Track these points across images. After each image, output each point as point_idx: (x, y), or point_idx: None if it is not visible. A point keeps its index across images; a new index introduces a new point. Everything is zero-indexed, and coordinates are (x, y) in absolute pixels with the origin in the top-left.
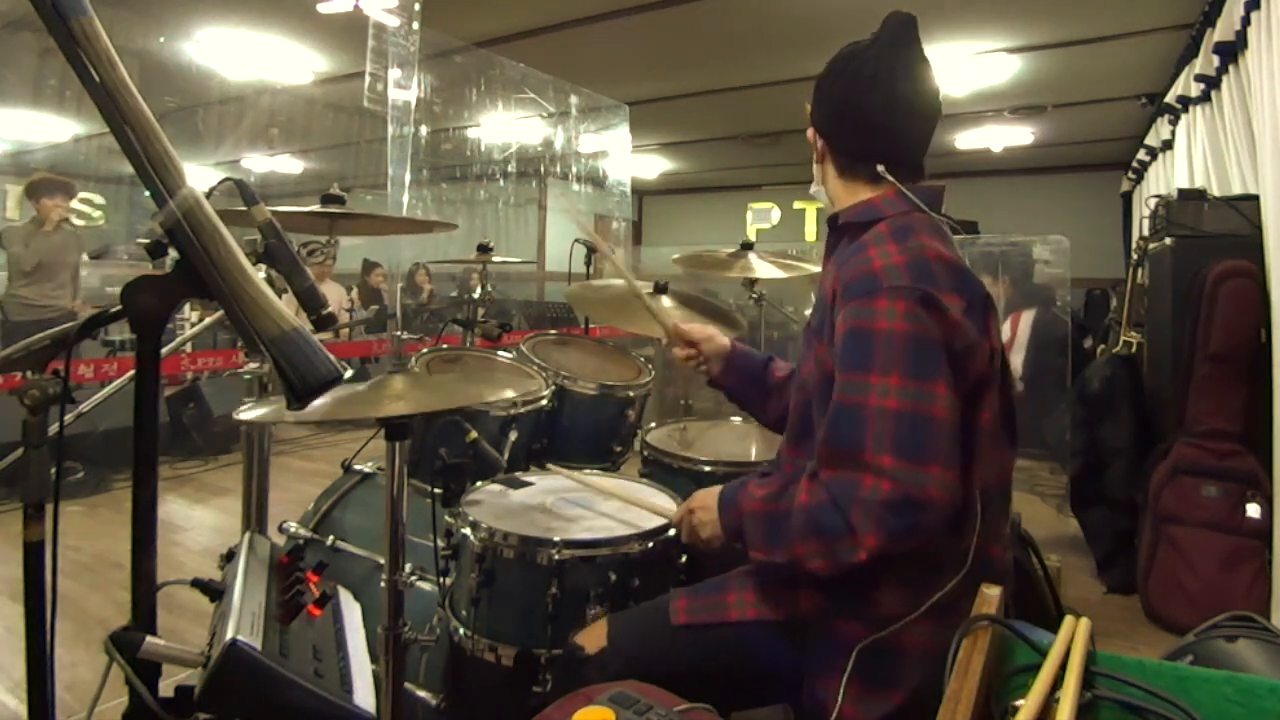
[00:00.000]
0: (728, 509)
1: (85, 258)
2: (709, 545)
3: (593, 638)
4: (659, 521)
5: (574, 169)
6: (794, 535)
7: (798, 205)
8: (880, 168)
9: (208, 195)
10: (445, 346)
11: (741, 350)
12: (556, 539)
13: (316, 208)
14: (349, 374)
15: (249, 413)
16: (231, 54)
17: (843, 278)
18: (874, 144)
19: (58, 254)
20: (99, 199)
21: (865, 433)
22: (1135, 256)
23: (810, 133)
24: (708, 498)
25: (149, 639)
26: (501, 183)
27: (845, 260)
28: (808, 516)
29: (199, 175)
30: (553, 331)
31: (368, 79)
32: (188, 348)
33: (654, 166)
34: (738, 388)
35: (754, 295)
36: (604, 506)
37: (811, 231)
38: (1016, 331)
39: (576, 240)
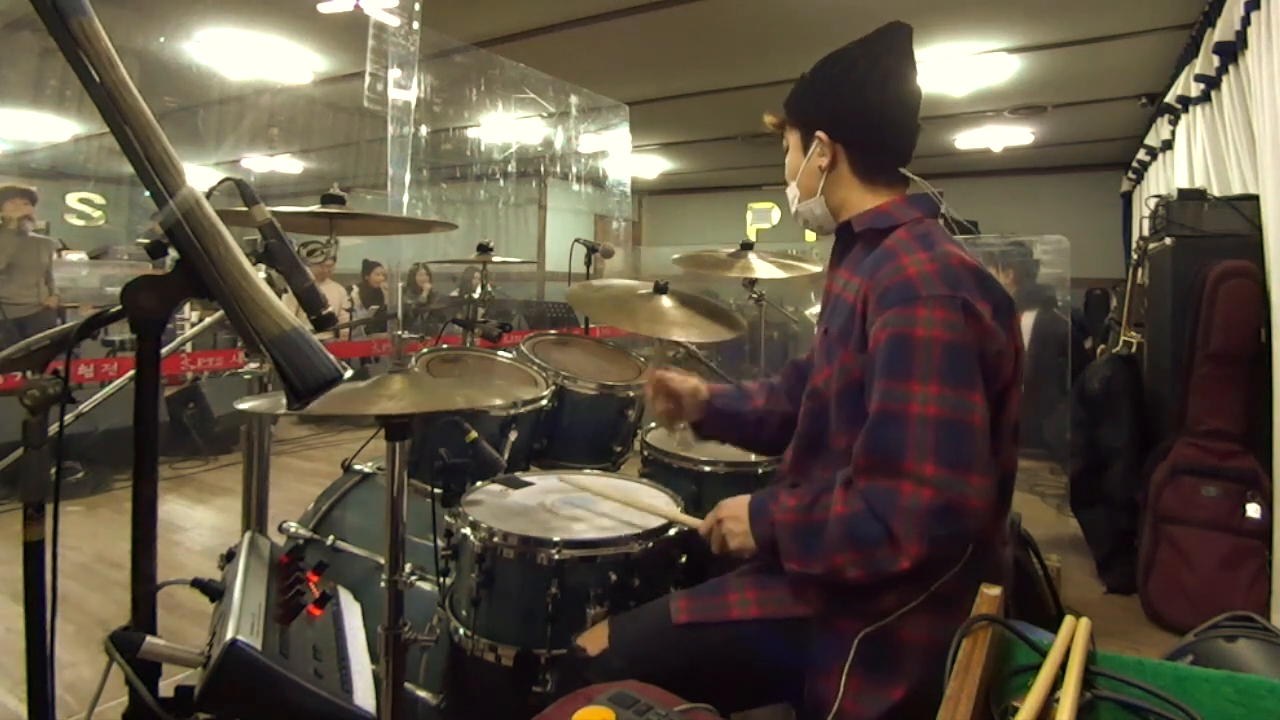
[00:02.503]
0: (758, 519)
1: (80, 258)
2: (739, 555)
3: (594, 639)
4: (660, 521)
5: (574, 169)
6: (831, 546)
7: None
8: (902, 169)
9: (208, 195)
10: (445, 346)
11: (718, 393)
12: (556, 539)
13: (316, 208)
14: (349, 374)
15: (248, 403)
16: (231, 54)
17: (877, 286)
18: (891, 141)
19: (23, 254)
20: (99, 199)
21: (907, 440)
22: (1135, 256)
23: (799, 145)
24: (736, 507)
25: (149, 639)
26: (501, 183)
27: (874, 268)
28: (845, 527)
29: (199, 175)
30: (553, 331)
31: (368, 79)
32: (188, 348)
33: (654, 166)
34: (724, 432)
35: (754, 295)
36: (604, 506)
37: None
38: None
39: (576, 240)
